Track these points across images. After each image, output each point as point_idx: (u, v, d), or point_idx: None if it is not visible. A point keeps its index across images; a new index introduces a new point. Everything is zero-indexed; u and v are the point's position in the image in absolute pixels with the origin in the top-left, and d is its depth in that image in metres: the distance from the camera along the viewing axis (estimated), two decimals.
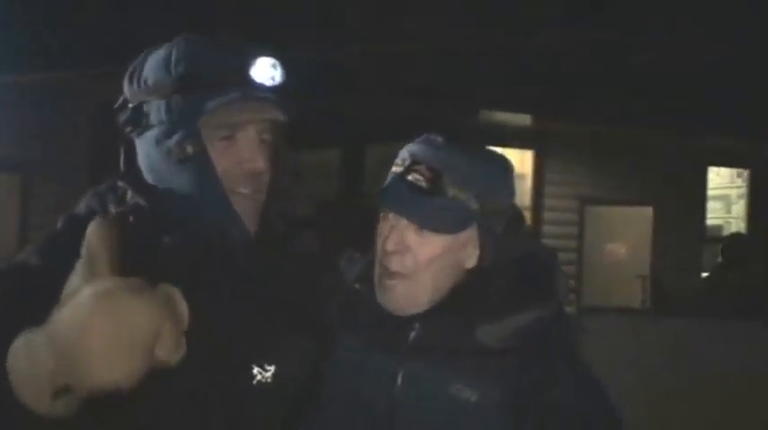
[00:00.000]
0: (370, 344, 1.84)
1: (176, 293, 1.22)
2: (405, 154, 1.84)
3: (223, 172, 1.69)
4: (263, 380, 1.71)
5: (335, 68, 7.18)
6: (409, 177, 1.79)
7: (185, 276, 1.59)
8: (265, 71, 1.71)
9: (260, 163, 1.71)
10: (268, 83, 1.71)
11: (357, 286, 1.91)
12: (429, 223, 1.79)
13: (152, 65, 1.72)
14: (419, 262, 1.80)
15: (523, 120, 9.48)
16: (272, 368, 1.72)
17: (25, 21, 6.71)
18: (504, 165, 1.88)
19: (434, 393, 1.76)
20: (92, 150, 8.09)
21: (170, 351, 1.20)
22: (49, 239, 1.67)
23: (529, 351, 1.75)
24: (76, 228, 1.53)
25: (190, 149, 1.67)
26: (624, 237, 11.39)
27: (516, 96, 8.56)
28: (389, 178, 1.85)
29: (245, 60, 1.69)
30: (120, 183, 1.74)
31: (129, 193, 1.72)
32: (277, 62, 1.73)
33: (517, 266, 1.84)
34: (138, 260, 1.58)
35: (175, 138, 1.67)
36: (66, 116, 8.64)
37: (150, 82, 1.70)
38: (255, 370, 1.71)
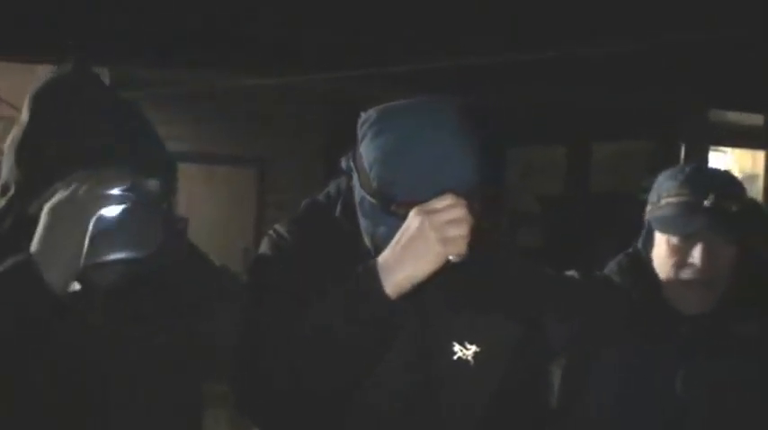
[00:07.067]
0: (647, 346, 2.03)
1: None
2: (691, 186, 2.03)
3: None
4: (464, 358, 1.76)
5: (567, 65, 7.28)
6: (734, 208, 1.99)
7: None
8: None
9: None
10: (461, 188, 1.63)
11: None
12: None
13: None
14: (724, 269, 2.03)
15: (756, 119, 9.22)
16: (473, 347, 1.76)
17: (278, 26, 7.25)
18: None
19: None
20: (328, 149, 8.57)
21: None
22: (292, 222, 1.83)
23: None
24: (315, 212, 1.79)
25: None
26: None
27: (748, 94, 8.35)
28: (685, 208, 2.02)
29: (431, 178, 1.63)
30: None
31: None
32: (470, 164, 1.66)
33: None
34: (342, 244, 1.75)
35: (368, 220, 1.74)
36: (306, 116, 9.26)
37: (359, 180, 1.74)
38: (456, 347, 1.76)
